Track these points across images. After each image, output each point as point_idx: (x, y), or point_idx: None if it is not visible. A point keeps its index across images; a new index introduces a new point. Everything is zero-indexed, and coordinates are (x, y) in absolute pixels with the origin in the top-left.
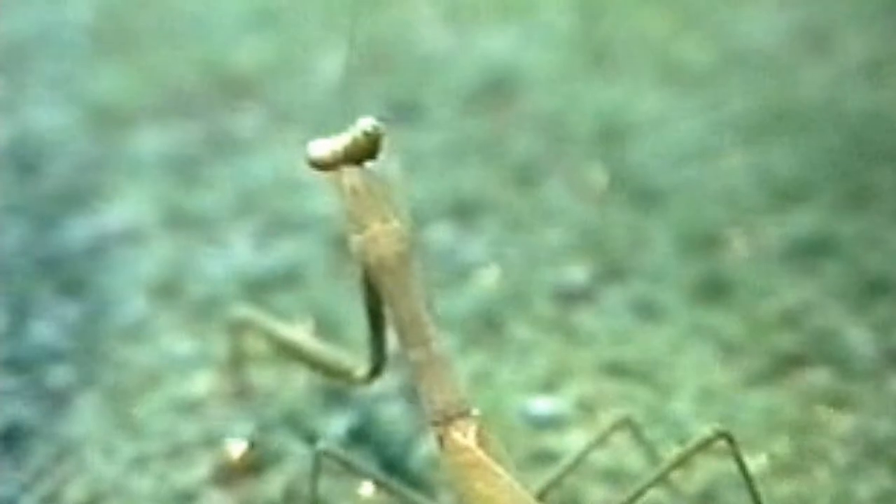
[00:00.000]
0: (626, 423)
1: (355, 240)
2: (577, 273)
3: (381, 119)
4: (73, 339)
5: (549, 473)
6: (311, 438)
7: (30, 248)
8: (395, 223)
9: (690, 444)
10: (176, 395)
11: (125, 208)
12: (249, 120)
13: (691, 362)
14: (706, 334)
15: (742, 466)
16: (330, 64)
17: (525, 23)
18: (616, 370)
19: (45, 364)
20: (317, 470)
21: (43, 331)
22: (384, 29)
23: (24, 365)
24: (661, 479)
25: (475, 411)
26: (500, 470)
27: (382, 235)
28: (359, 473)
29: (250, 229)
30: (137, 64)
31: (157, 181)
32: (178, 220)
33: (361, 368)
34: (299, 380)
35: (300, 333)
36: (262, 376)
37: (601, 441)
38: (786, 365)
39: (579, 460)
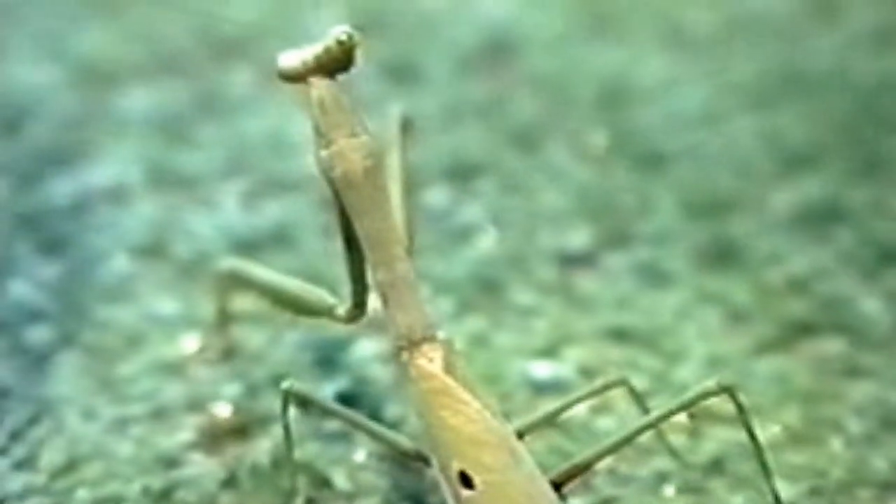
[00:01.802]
0: (621, 383)
1: (322, 154)
2: (578, 237)
3: (355, 28)
4: (53, 298)
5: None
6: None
7: (10, 205)
8: (364, 137)
9: (690, 394)
10: (160, 357)
11: (110, 167)
12: (239, 79)
13: (698, 329)
14: (713, 300)
15: (747, 424)
16: (322, 23)
17: None
18: (619, 336)
19: (24, 323)
20: (285, 409)
21: (21, 289)
22: None
23: (3, 324)
24: (655, 426)
25: (441, 335)
26: (467, 397)
27: (349, 149)
28: (325, 411)
29: (239, 189)
30: (124, 21)
31: (144, 140)
32: (165, 180)
33: (343, 307)
34: (288, 341)
35: (283, 277)
36: (250, 338)
37: (592, 395)
38: (796, 333)
39: (565, 408)
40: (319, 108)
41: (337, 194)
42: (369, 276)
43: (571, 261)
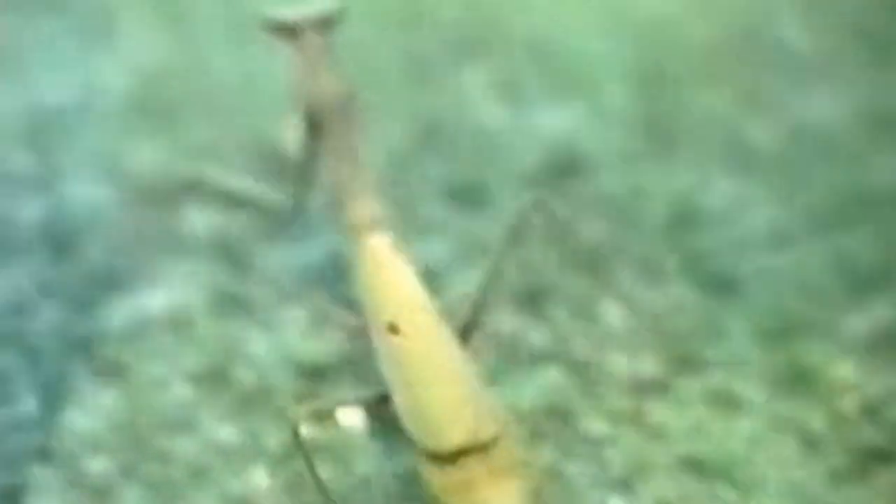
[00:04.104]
0: None
1: (304, 88)
2: (650, 363)
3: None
4: (111, 427)
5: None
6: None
7: (65, 331)
8: (341, 78)
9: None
10: (226, 491)
11: (167, 290)
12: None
13: (773, 457)
14: (787, 427)
15: None
16: (379, 143)
17: (583, 99)
18: (695, 466)
19: (82, 454)
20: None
21: (78, 418)
22: (438, 104)
23: (59, 455)
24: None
25: (390, 228)
26: (406, 268)
27: (329, 82)
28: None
29: (301, 314)
30: (177, 137)
31: (202, 262)
32: (225, 303)
33: (287, 203)
34: (357, 471)
35: (235, 180)
36: (319, 469)
37: None
38: (872, 461)
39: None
40: (307, 55)
41: (310, 119)
42: (331, 177)
43: (643, 387)
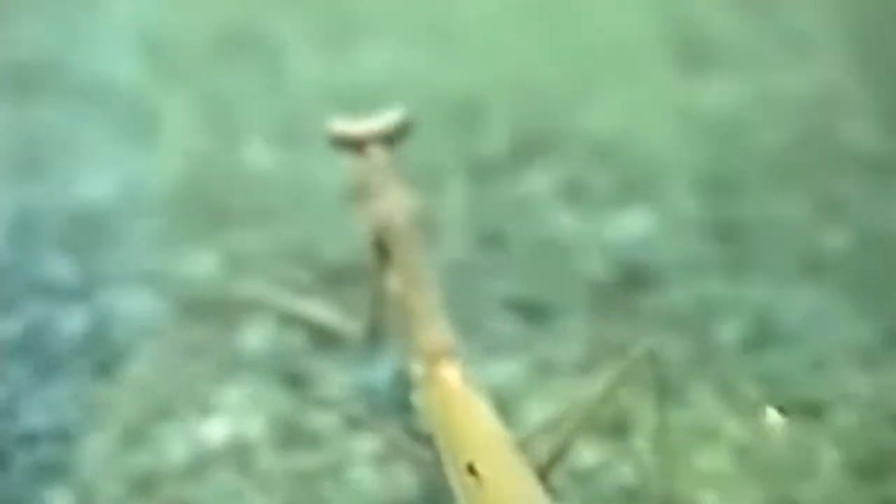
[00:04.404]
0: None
1: (374, 205)
2: (739, 501)
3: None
4: None
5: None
6: None
7: (117, 464)
8: (410, 198)
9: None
10: None
11: (226, 417)
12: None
13: None
14: None
15: None
16: (441, 254)
17: (651, 203)
18: None
19: None
20: None
21: None
22: (500, 209)
23: None
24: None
25: (462, 351)
26: (480, 403)
27: (397, 199)
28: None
29: (370, 445)
30: (225, 243)
31: (260, 383)
32: (289, 433)
33: (357, 330)
34: None
35: (306, 303)
36: None
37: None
38: None
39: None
40: (375, 169)
41: (377, 243)
42: (401, 302)
43: None
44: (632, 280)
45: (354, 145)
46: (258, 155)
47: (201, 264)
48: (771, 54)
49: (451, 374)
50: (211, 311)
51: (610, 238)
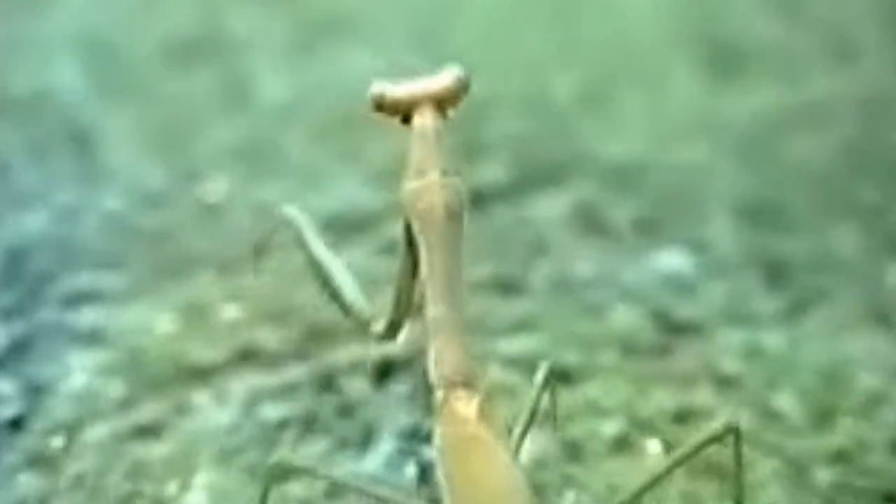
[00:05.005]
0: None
1: (409, 186)
2: None
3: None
4: None
5: None
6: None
7: None
8: (455, 178)
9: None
10: None
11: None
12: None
13: None
14: None
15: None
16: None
17: (683, 237)
18: None
19: None
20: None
21: None
22: (504, 247)
23: None
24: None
25: (482, 385)
26: (497, 448)
27: (439, 186)
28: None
29: None
30: (180, 301)
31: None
32: None
33: (379, 323)
34: None
35: (338, 263)
36: None
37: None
38: None
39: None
40: (421, 140)
41: (411, 227)
42: (425, 311)
43: None
44: (664, 331)
45: (404, 108)
46: (215, 188)
47: (151, 322)
48: (810, 57)
49: (467, 407)
50: (166, 381)
51: (635, 281)
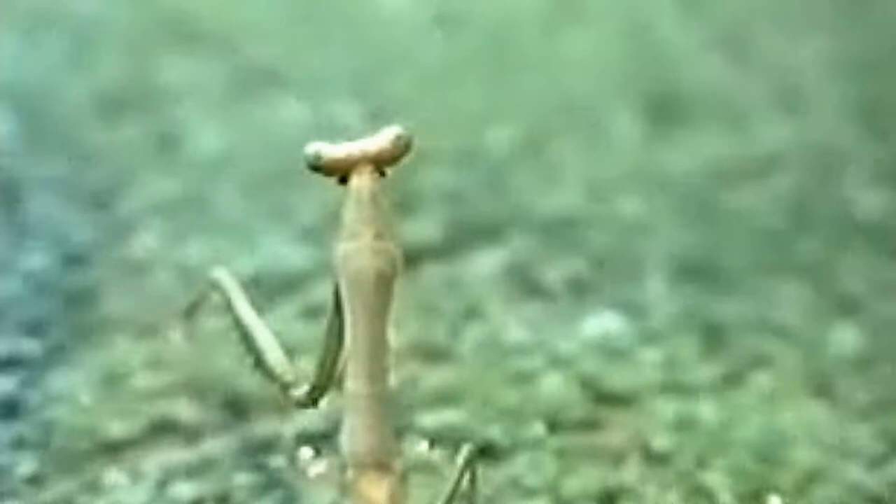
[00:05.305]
0: None
1: (341, 248)
2: None
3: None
4: None
5: None
6: None
7: None
8: (389, 243)
9: None
10: None
11: None
12: None
13: None
14: None
15: None
16: None
17: (616, 303)
18: None
19: None
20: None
21: None
22: (434, 311)
23: None
24: None
25: (397, 467)
26: None
27: (371, 250)
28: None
29: None
30: (99, 368)
31: None
32: None
33: (301, 388)
34: None
35: (263, 327)
36: None
37: None
38: None
39: None
40: (356, 201)
41: (340, 291)
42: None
43: None
44: (599, 404)
45: (341, 169)
46: (142, 245)
47: (67, 392)
48: (755, 106)
49: (378, 490)
50: (78, 457)
51: (568, 348)
